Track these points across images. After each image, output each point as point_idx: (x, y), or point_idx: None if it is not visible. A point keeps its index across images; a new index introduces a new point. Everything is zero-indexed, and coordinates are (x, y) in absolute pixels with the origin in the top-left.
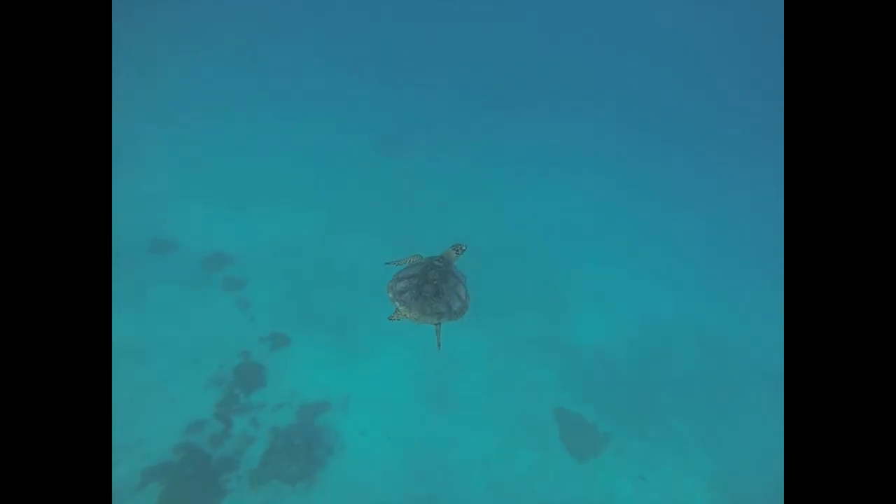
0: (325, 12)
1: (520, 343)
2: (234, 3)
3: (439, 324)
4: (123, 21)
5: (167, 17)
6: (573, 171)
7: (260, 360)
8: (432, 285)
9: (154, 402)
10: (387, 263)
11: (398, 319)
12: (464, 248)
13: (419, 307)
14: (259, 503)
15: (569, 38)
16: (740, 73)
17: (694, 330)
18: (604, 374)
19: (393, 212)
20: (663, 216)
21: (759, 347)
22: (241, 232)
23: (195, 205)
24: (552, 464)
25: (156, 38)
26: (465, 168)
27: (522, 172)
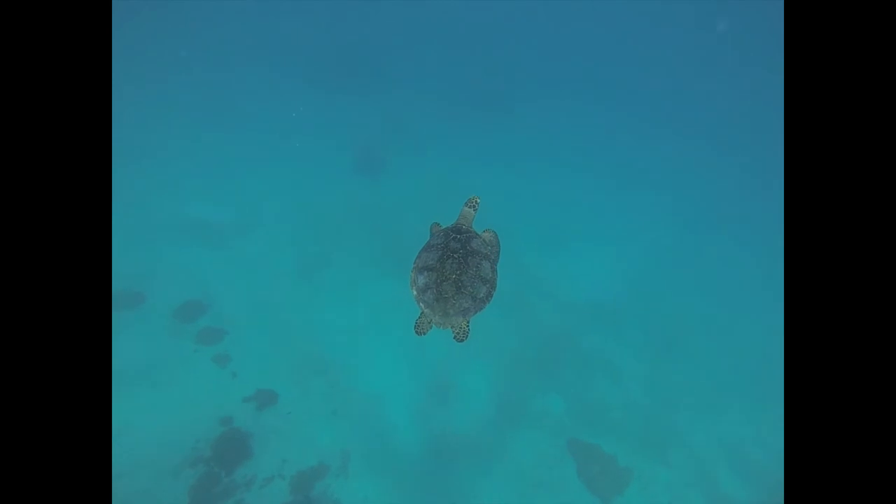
0: (278, 29)
1: (522, 366)
2: (194, 24)
3: (467, 321)
4: None
5: (120, 36)
6: (560, 168)
7: (244, 425)
8: (451, 281)
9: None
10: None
11: (425, 333)
12: (477, 200)
13: (442, 309)
14: None
15: (540, 33)
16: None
17: (700, 323)
18: (613, 390)
19: (381, 236)
20: (649, 206)
21: (767, 339)
22: (216, 275)
23: (161, 248)
24: None
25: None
26: (450, 177)
27: (510, 172)
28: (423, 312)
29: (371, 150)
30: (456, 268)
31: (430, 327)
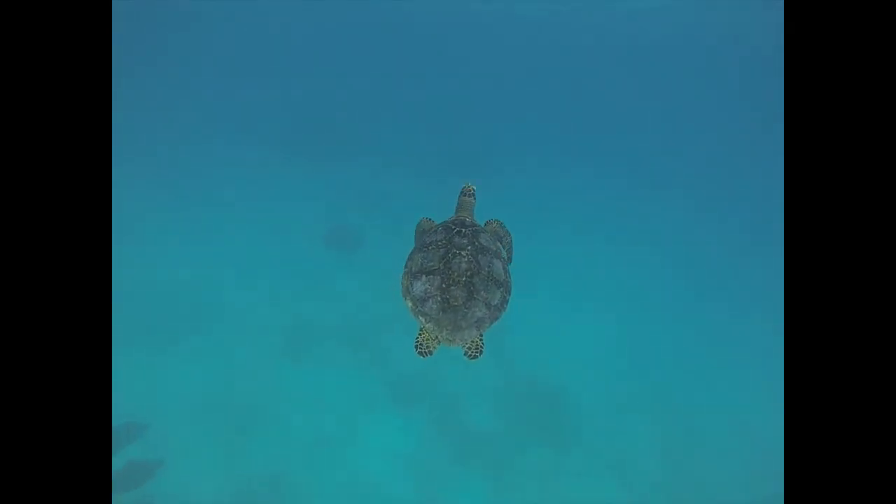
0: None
1: (517, 467)
2: (157, 83)
3: (481, 336)
4: None
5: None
6: (550, 233)
7: None
8: (461, 285)
9: None
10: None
11: (431, 353)
12: (472, 188)
13: (451, 321)
14: None
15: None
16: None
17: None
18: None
19: (362, 327)
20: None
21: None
22: (156, 388)
23: None
24: None
25: None
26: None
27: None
28: (422, 328)
29: (345, 224)
30: (466, 268)
31: (437, 345)
